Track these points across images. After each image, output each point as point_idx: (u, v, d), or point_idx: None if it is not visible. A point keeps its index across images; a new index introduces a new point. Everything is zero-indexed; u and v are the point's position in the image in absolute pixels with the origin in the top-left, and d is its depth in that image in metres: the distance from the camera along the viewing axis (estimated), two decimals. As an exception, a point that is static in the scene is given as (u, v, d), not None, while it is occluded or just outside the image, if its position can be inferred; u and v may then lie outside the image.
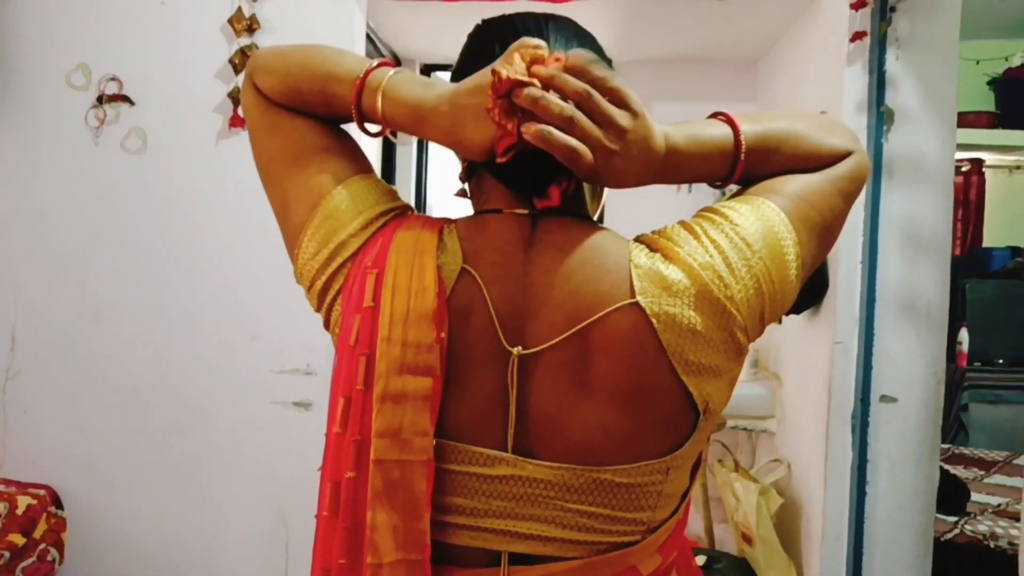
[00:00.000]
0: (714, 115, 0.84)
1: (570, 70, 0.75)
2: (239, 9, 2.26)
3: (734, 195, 0.85)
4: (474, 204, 0.88)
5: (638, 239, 0.83)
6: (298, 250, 0.84)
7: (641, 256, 0.78)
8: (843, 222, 0.87)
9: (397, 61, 3.24)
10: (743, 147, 0.81)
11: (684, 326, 0.75)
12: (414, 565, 0.75)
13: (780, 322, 2.65)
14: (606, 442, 0.76)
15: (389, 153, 3.22)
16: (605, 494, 0.77)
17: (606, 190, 0.92)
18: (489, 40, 0.84)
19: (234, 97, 2.27)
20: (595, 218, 0.89)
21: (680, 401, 0.76)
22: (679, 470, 0.80)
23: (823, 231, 0.83)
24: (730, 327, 0.76)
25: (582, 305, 0.77)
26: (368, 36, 2.63)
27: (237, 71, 2.27)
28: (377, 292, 0.78)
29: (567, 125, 0.73)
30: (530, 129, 0.73)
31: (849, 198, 0.86)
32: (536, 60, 0.75)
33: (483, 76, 0.76)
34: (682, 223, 0.82)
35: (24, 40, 2.30)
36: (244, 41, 2.27)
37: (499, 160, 0.75)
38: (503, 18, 0.87)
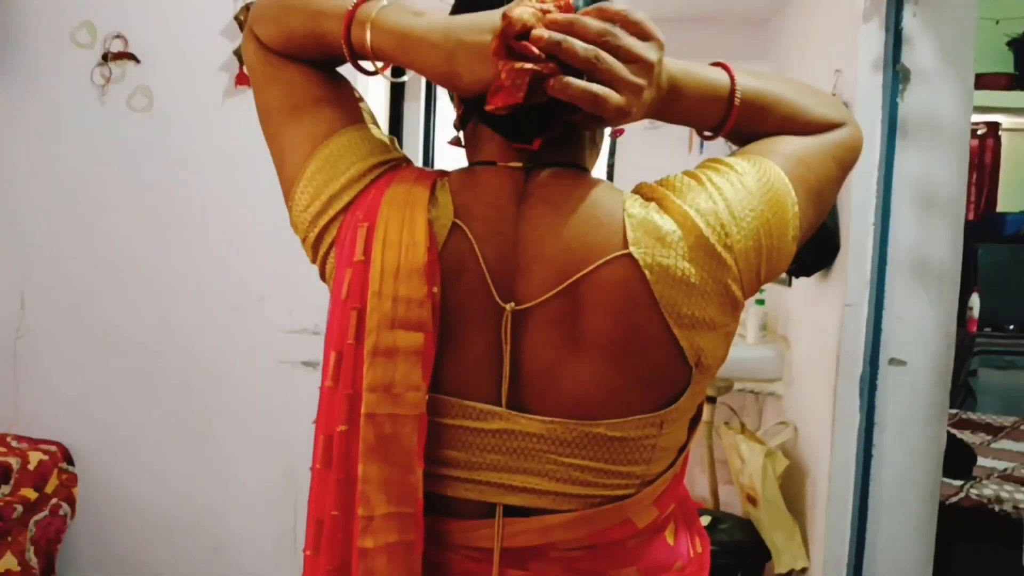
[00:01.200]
0: (715, 64, 0.83)
1: (587, 13, 0.73)
2: (244, -35, 2.23)
3: (733, 153, 0.84)
4: (468, 154, 0.87)
5: (636, 189, 0.82)
6: (291, 202, 0.84)
7: (635, 206, 0.78)
8: (836, 190, 0.87)
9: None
10: (738, 95, 0.80)
11: (677, 277, 0.74)
12: (406, 518, 0.75)
13: (790, 284, 2.63)
14: (599, 396, 0.76)
15: (397, 109, 3.19)
16: (598, 448, 0.77)
17: (605, 139, 0.91)
18: None
19: (240, 54, 2.25)
20: (593, 167, 0.88)
21: (672, 355, 0.76)
22: (674, 424, 0.80)
23: (817, 195, 0.83)
24: (724, 279, 0.75)
25: (573, 259, 0.76)
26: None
27: (243, 28, 2.24)
28: (368, 246, 0.77)
29: (592, 68, 0.72)
30: (558, 84, 0.71)
31: (843, 166, 0.87)
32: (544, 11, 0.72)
33: (488, 16, 0.74)
34: (686, 172, 0.81)
35: (27, -3, 2.28)
36: (249, -2, 2.24)
37: (488, 109, 0.73)
38: None
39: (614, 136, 0.96)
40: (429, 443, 0.77)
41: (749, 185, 0.77)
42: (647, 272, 0.74)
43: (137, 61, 2.29)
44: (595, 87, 0.72)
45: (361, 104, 0.89)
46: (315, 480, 0.80)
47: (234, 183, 2.28)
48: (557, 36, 0.71)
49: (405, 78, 3.07)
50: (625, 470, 0.78)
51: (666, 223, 0.76)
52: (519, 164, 0.81)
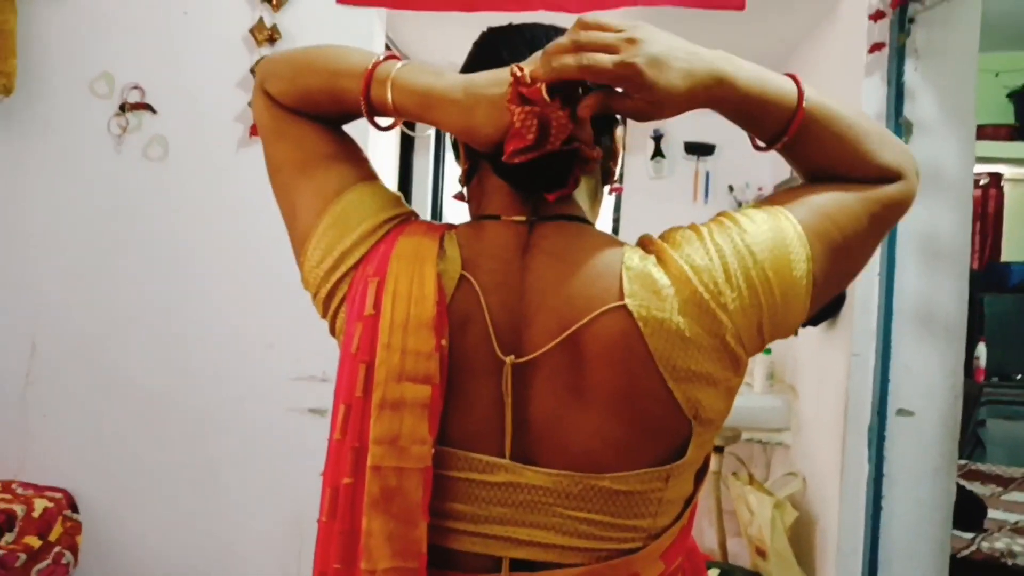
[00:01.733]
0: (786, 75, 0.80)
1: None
2: (260, 19, 2.29)
3: (753, 204, 0.83)
4: (472, 208, 0.88)
5: (639, 241, 0.82)
6: (303, 258, 0.85)
7: (634, 258, 0.78)
8: (869, 249, 0.84)
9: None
10: (804, 107, 0.77)
11: (672, 331, 0.74)
12: (409, 573, 0.75)
13: (796, 334, 2.63)
14: (603, 448, 0.76)
15: (406, 161, 3.24)
16: (604, 501, 0.77)
17: (605, 193, 0.92)
18: (496, 47, 0.85)
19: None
20: (595, 220, 0.89)
21: (670, 408, 0.76)
22: (680, 478, 0.80)
23: (842, 251, 0.80)
24: (722, 334, 0.75)
25: (573, 310, 0.77)
26: (387, 47, 2.65)
27: (257, 80, 2.29)
28: (378, 300, 0.78)
29: (588, 72, 0.73)
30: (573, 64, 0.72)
31: (879, 223, 0.82)
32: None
33: (502, 72, 0.76)
34: (691, 225, 0.81)
35: (48, 48, 2.34)
36: (265, 51, 2.30)
37: (505, 159, 0.75)
38: (511, 27, 0.88)
39: (612, 192, 0.97)
40: (435, 496, 0.77)
41: (751, 242, 0.76)
42: (641, 324, 0.74)
43: (154, 111, 2.33)
44: (617, 57, 0.72)
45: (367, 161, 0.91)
46: (321, 532, 0.80)
47: (246, 232, 2.31)
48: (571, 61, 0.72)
49: (415, 132, 3.14)
50: (631, 523, 0.78)
51: (662, 277, 0.76)
52: (523, 218, 0.82)
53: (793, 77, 0.79)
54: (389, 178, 3.09)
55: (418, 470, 0.75)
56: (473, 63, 0.86)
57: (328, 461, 0.80)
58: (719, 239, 0.77)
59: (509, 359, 0.77)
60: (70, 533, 2.25)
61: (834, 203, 0.80)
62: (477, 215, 0.87)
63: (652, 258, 0.78)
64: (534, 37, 0.85)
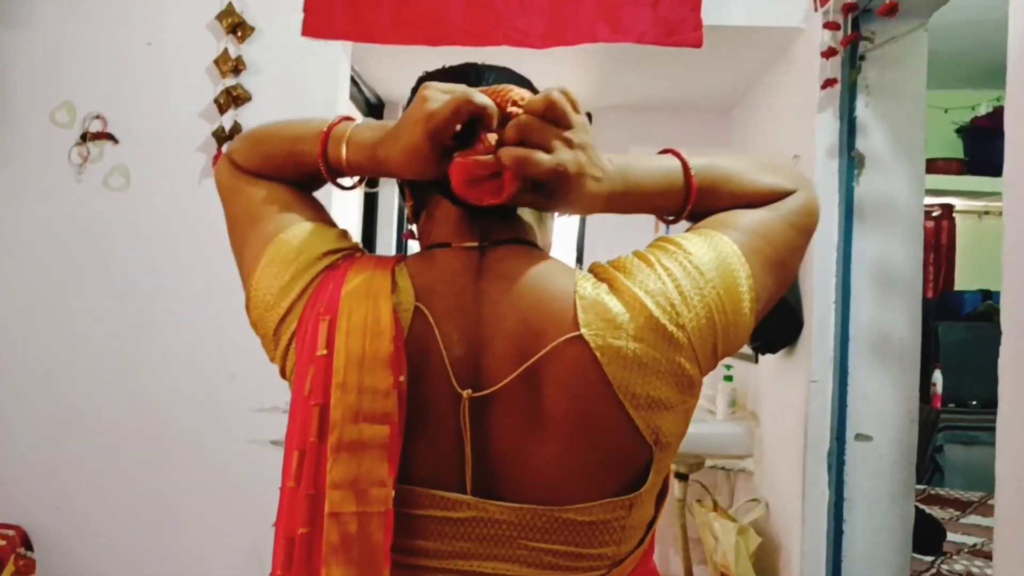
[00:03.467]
0: (663, 151, 0.85)
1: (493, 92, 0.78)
2: (225, 50, 2.30)
3: (688, 229, 0.85)
4: (423, 242, 0.89)
5: (590, 268, 0.83)
6: (248, 300, 0.84)
7: (587, 286, 0.78)
8: (799, 256, 0.88)
9: (381, 104, 3.29)
10: (694, 176, 0.82)
11: (629, 358, 0.74)
12: None
13: (756, 361, 2.67)
14: (565, 479, 0.76)
15: (371, 208, 3.28)
16: (568, 532, 0.77)
17: (554, 217, 0.93)
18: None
19: (218, 136, 2.30)
20: (546, 244, 0.91)
21: (630, 435, 0.76)
22: (642, 504, 0.80)
23: (777, 264, 0.83)
24: (677, 358, 0.76)
25: (530, 333, 0.77)
26: (352, 79, 2.68)
27: (222, 111, 2.30)
28: (330, 339, 0.76)
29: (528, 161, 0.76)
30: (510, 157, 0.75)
31: (803, 232, 0.86)
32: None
33: (414, 108, 0.78)
34: (636, 252, 0.82)
35: (9, 77, 2.32)
36: (230, 82, 2.30)
37: (484, 203, 0.78)
38: (447, 70, 0.90)
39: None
40: (398, 534, 0.75)
41: (699, 263, 0.78)
42: (599, 354, 0.74)
43: (115, 141, 2.32)
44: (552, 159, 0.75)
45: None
46: None
47: (207, 263, 2.29)
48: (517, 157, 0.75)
49: (377, 188, 3.17)
50: (596, 552, 0.78)
51: (616, 305, 0.76)
52: (474, 244, 0.83)
53: (675, 153, 0.83)
54: (354, 228, 3.10)
55: (379, 513, 0.74)
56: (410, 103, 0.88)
57: (281, 511, 0.78)
58: (667, 263, 0.78)
59: (466, 393, 0.76)
60: (23, 572, 2.18)
61: (758, 222, 0.83)
62: (428, 245, 0.87)
63: (604, 286, 0.78)
64: (481, 72, 0.88)
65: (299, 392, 0.78)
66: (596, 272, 0.82)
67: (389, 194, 3.36)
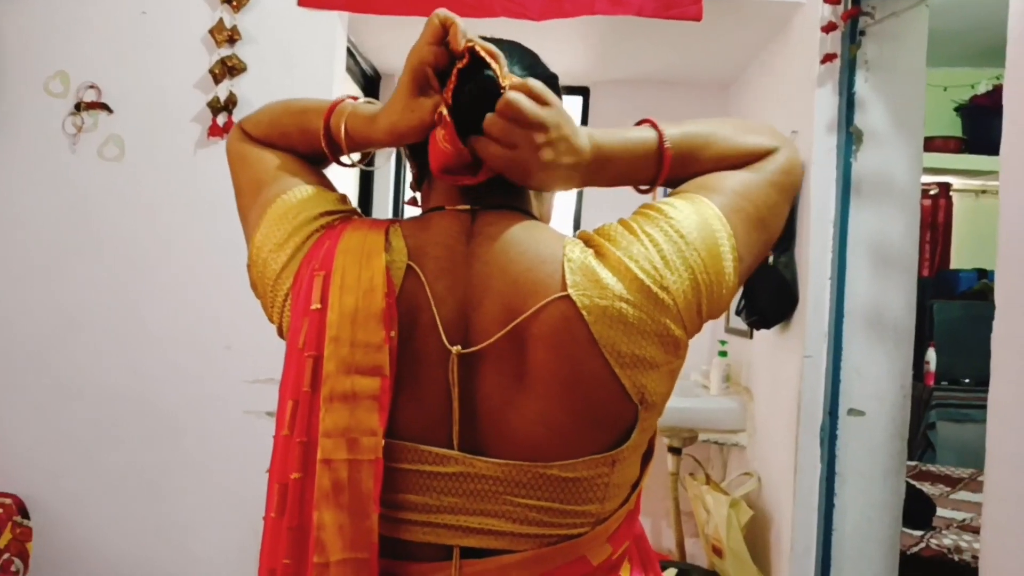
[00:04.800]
0: (640, 122, 0.88)
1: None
2: (220, 20, 2.28)
3: (670, 193, 0.88)
4: (423, 208, 0.92)
5: (578, 235, 0.85)
6: (249, 261, 0.88)
7: (575, 250, 0.81)
8: (782, 215, 0.90)
9: (377, 76, 3.26)
10: (667, 147, 0.85)
11: (615, 317, 0.77)
12: (361, 564, 0.76)
13: (751, 336, 2.68)
14: (548, 436, 0.78)
15: (367, 183, 3.27)
16: (553, 488, 0.78)
17: (554, 193, 0.96)
18: None
19: (213, 106, 2.28)
20: (543, 213, 0.93)
21: (615, 393, 0.78)
22: (626, 462, 0.82)
23: (759, 223, 0.86)
24: (662, 318, 0.78)
25: (519, 294, 0.79)
26: (348, 51, 2.65)
27: (217, 81, 2.28)
28: (324, 293, 0.79)
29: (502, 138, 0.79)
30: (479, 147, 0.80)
31: (784, 190, 0.89)
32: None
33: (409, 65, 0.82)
34: (621, 221, 0.84)
35: (2, 46, 2.30)
36: (225, 51, 2.29)
37: (436, 175, 0.83)
38: None
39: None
40: (386, 488, 0.77)
41: (680, 228, 0.80)
42: (585, 313, 0.77)
43: (110, 111, 2.31)
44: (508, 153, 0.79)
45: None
46: (268, 529, 0.80)
47: (203, 233, 2.29)
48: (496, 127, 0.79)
49: (375, 167, 3.16)
50: (580, 509, 0.80)
51: (602, 270, 0.78)
52: (466, 207, 0.85)
53: (651, 123, 0.86)
54: (351, 193, 3.10)
55: (369, 461, 0.76)
56: None
57: (274, 457, 0.80)
58: (649, 229, 0.81)
59: (455, 349, 0.79)
60: (20, 539, 2.20)
61: (740, 182, 0.86)
62: (425, 210, 0.90)
63: (591, 251, 0.81)
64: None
65: (293, 344, 0.81)
66: (583, 239, 0.84)
67: (385, 173, 3.34)
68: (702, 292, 0.80)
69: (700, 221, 0.81)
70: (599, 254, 0.80)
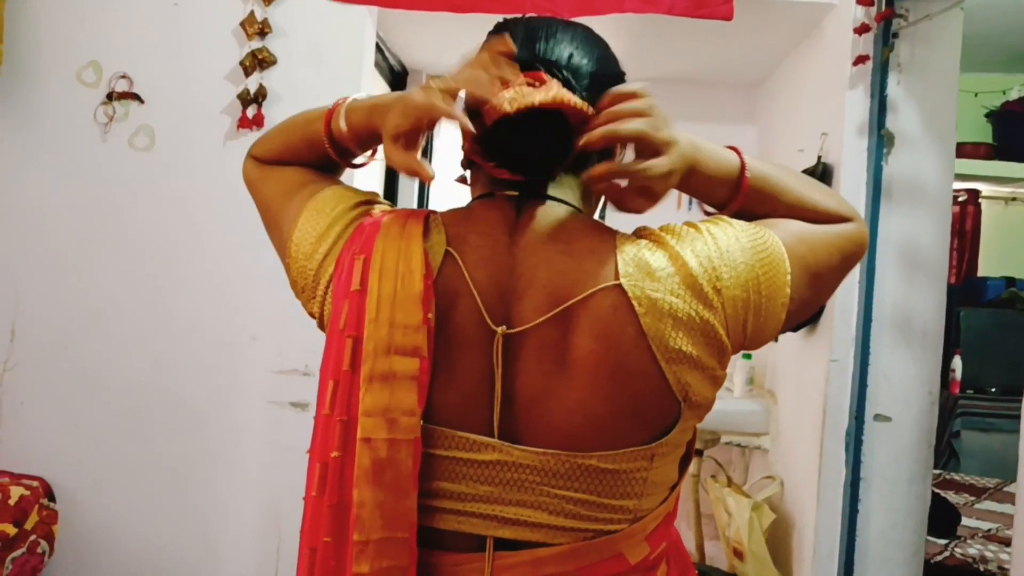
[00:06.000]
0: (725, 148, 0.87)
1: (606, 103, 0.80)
2: (251, 13, 2.29)
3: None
4: (472, 192, 0.91)
5: (634, 231, 0.84)
6: (288, 259, 0.88)
7: (628, 243, 0.80)
8: (836, 279, 0.89)
9: (404, 71, 3.27)
10: (748, 175, 0.84)
11: (665, 311, 0.76)
12: (400, 543, 0.76)
13: (776, 339, 2.66)
14: (587, 426, 0.77)
15: (392, 187, 3.30)
16: (590, 480, 0.77)
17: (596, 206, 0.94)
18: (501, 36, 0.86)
19: (243, 98, 2.29)
20: (588, 212, 0.91)
21: (659, 388, 0.77)
22: (665, 458, 0.80)
23: (814, 276, 0.84)
24: (711, 319, 0.77)
25: (565, 285, 0.78)
26: (377, 46, 2.66)
27: (247, 73, 2.30)
28: (364, 276, 0.80)
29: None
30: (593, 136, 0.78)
31: (846, 259, 0.88)
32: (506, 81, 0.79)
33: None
34: (687, 222, 0.84)
35: (36, 36, 2.32)
36: (255, 44, 2.30)
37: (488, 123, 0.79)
38: (515, 19, 0.90)
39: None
40: (422, 474, 0.77)
41: (745, 242, 0.80)
42: (636, 304, 0.76)
43: (141, 101, 2.32)
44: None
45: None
46: (309, 508, 0.80)
47: (230, 224, 2.31)
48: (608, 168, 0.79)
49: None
50: (617, 504, 0.79)
51: (657, 260, 0.78)
52: (513, 193, 0.84)
53: (736, 150, 0.86)
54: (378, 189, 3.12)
55: (408, 441, 0.76)
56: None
57: (315, 437, 0.81)
58: (716, 232, 0.81)
59: (501, 329, 0.78)
60: (46, 522, 2.22)
61: (807, 232, 0.86)
62: (473, 197, 0.89)
63: (645, 242, 0.80)
64: (535, 28, 0.86)
65: (334, 326, 0.81)
66: (640, 233, 0.83)
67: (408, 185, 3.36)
68: (751, 308, 0.79)
69: (764, 245, 0.81)
70: (656, 244, 0.80)
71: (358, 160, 0.93)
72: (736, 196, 0.85)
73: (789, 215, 0.86)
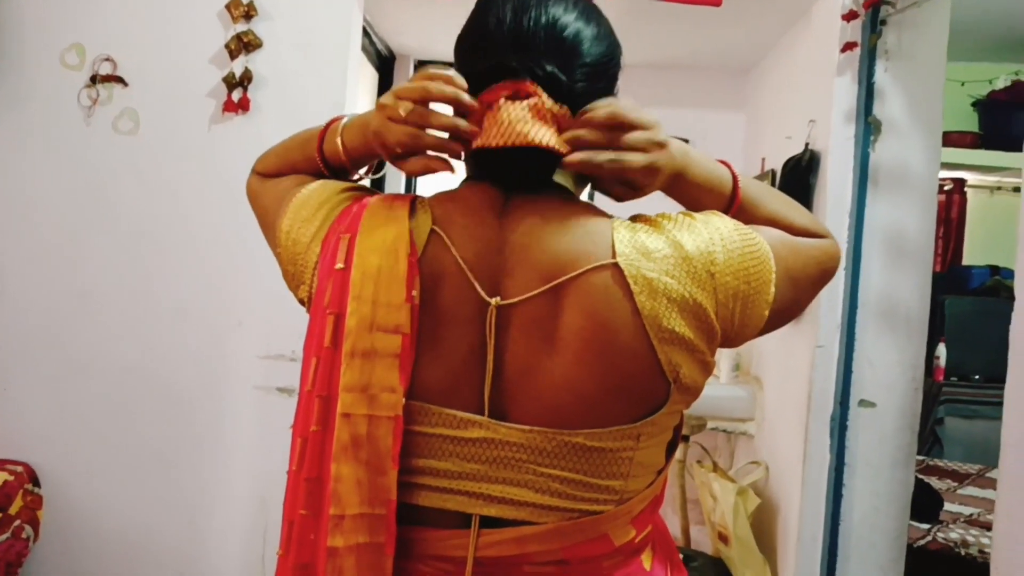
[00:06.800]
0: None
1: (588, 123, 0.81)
2: (237, -5, 2.27)
3: None
4: (467, 169, 0.92)
5: (630, 217, 0.85)
6: (278, 247, 0.88)
7: (624, 226, 0.81)
8: (811, 290, 0.91)
9: (392, 56, 3.25)
10: (740, 190, 0.88)
11: (660, 291, 0.76)
12: (377, 520, 0.76)
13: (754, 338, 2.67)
14: (574, 403, 0.77)
15: (378, 180, 3.27)
16: (576, 458, 0.78)
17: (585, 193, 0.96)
18: (486, 12, 0.86)
19: (228, 82, 2.27)
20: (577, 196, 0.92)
21: (650, 368, 0.77)
22: (651, 439, 0.81)
23: (794, 281, 0.86)
24: (704, 302, 0.78)
25: (559, 263, 0.78)
26: (364, 31, 2.64)
27: (233, 56, 2.27)
28: (349, 254, 0.80)
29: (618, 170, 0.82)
30: (574, 159, 0.80)
31: (823, 271, 0.91)
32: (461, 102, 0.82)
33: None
34: (683, 211, 0.85)
35: (19, 18, 2.29)
36: (241, 27, 2.28)
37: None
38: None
39: None
40: (406, 452, 0.77)
41: (736, 236, 0.82)
42: (632, 283, 0.76)
43: (125, 84, 2.30)
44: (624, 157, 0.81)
45: None
46: (289, 481, 0.81)
47: (216, 208, 2.29)
48: (582, 157, 0.80)
49: (384, 173, 3.16)
50: (603, 483, 0.79)
51: (654, 242, 0.79)
52: (500, 180, 0.85)
53: (726, 164, 0.90)
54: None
55: (388, 418, 0.76)
56: (466, 27, 0.88)
57: (298, 413, 0.81)
58: (711, 221, 0.83)
59: (495, 300, 0.78)
60: (31, 507, 2.21)
61: (790, 239, 0.88)
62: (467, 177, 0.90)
63: (642, 226, 0.82)
64: (522, 2, 0.84)
65: (319, 304, 0.81)
66: (636, 219, 0.85)
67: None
68: (740, 299, 0.80)
69: (754, 243, 0.82)
70: (653, 229, 0.81)
71: (356, 176, 0.96)
72: (729, 209, 0.88)
73: (769, 225, 0.89)
